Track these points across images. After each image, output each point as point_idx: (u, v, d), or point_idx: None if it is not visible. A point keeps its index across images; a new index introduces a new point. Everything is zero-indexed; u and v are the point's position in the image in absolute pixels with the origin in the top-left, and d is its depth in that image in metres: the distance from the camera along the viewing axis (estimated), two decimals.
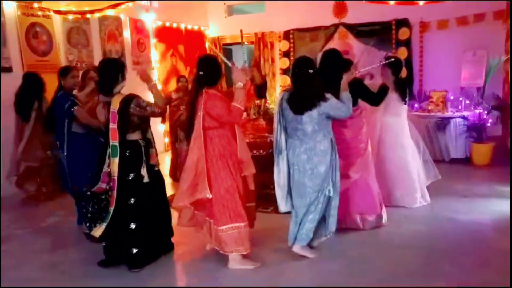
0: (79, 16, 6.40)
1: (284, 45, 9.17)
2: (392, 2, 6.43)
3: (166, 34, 8.71)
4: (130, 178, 3.40)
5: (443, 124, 6.64)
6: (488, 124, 6.54)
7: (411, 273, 3.25)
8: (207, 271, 3.46)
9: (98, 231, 3.37)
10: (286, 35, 9.13)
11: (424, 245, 3.74)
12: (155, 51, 8.49)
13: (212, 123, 3.33)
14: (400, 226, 4.17)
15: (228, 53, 10.53)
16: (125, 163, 3.36)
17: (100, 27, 7.27)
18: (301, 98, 3.35)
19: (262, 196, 5.20)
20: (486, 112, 6.57)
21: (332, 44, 8.54)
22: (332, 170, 3.46)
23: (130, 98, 3.37)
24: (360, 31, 8.37)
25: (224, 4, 9.64)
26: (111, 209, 3.36)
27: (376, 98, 4.11)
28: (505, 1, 6.48)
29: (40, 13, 6.19)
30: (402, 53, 7.99)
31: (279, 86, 9.43)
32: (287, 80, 9.22)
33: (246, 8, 10.15)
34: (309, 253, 3.54)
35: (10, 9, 5.86)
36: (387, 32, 8.14)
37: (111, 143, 3.30)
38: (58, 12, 6.18)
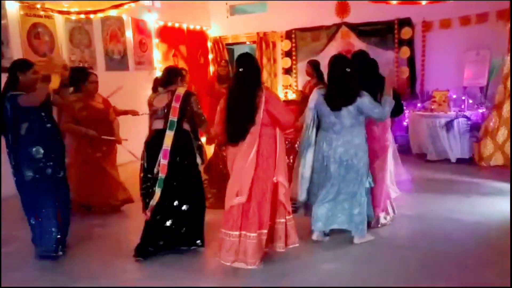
0: (81, 16, 6.41)
1: (286, 45, 9.16)
2: (394, 2, 6.43)
3: (168, 34, 8.71)
4: (186, 163, 3.70)
5: (445, 124, 6.62)
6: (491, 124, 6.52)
7: (413, 273, 3.25)
8: (208, 271, 3.46)
9: (155, 199, 3.60)
10: (288, 35, 9.12)
11: (427, 245, 3.73)
12: (157, 51, 8.49)
13: (266, 122, 3.35)
14: (403, 226, 4.17)
15: (230, 53, 10.54)
16: (179, 148, 3.64)
17: (102, 27, 7.27)
18: (340, 95, 3.59)
19: None
20: (489, 111, 6.55)
21: (334, 44, 8.57)
22: (367, 163, 3.73)
23: (192, 93, 3.79)
24: (362, 30, 8.35)
25: (226, 4, 9.64)
26: (163, 175, 3.58)
27: (400, 108, 4.15)
28: (507, 1, 6.45)
29: (42, 13, 6.20)
30: (405, 52, 7.98)
31: (281, 86, 9.42)
32: (289, 80, 9.22)
33: (248, 8, 10.15)
34: (369, 236, 3.82)
35: (13, 9, 5.87)
36: (389, 32, 8.11)
37: (170, 119, 3.60)
38: (60, 12, 6.19)
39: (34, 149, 3.61)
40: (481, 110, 6.63)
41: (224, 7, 9.68)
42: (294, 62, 9.13)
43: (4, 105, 3.54)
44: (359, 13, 8.29)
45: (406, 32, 7.97)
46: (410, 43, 8.00)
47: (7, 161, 3.58)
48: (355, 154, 3.63)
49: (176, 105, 3.62)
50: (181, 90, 3.72)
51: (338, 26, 8.58)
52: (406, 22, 7.97)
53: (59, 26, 6.53)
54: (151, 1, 8.44)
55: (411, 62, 8.03)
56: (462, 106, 7.03)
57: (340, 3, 8.57)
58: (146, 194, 3.72)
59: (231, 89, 3.49)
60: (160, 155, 3.59)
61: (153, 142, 3.69)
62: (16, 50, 5.90)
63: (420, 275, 3.21)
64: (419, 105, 7.45)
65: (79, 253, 3.88)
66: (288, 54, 9.20)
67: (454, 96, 7.21)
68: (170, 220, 3.69)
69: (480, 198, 4.94)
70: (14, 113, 3.54)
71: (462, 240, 3.80)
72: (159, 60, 8.51)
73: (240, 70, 3.39)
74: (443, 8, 7.21)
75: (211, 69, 9.93)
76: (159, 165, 3.60)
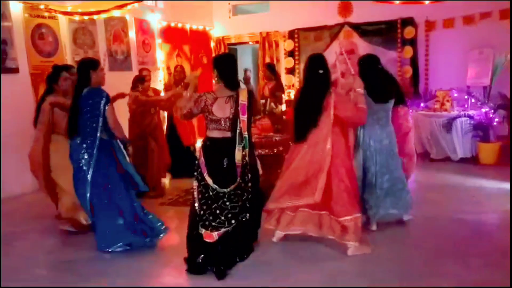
0: (85, 17, 6.43)
1: (288, 45, 9.16)
2: (397, 2, 6.42)
3: (171, 35, 8.73)
4: (253, 177, 3.53)
5: (449, 123, 6.62)
6: (495, 123, 6.52)
7: (418, 273, 3.25)
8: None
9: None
10: (291, 34, 9.12)
11: (432, 245, 3.73)
12: (160, 52, 8.51)
13: (335, 123, 3.56)
14: (408, 226, 4.16)
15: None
16: (249, 162, 3.49)
17: (105, 28, 7.29)
18: (386, 88, 3.89)
19: (268, 196, 5.22)
20: (492, 111, 6.54)
21: (337, 44, 8.54)
22: None
23: (252, 91, 3.62)
24: (365, 30, 8.35)
25: (229, 4, 9.65)
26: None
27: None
28: (509, 0, 6.44)
29: (46, 14, 6.22)
30: (408, 52, 7.97)
31: (284, 85, 9.41)
32: (292, 79, 9.22)
33: (251, 8, 10.16)
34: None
35: (17, 10, 5.90)
36: (392, 31, 8.11)
37: (244, 135, 3.37)
38: (64, 13, 6.21)
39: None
40: (485, 109, 6.61)
41: (227, 7, 9.68)
42: (297, 62, 9.14)
43: (95, 100, 3.66)
44: (362, 13, 8.29)
45: (409, 32, 7.96)
46: (413, 42, 7.99)
47: (11, 161, 3.60)
48: (395, 143, 3.99)
49: (244, 118, 3.35)
50: (244, 97, 3.40)
51: (341, 26, 8.58)
52: (409, 21, 7.97)
53: (63, 26, 6.56)
54: (154, 1, 8.46)
55: (414, 61, 8.03)
56: (466, 106, 7.02)
57: (343, 3, 8.57)
58: (209, 206, 3.40)
59: (303, 91, 3.66)
60: (230, 171, 3.38)
61: (214, 153, 3.43)
62: (20, 50, 5.93)
63: (424, 275, 3.21)
64: (422, 104, 7.45)
65: (88, 252, 3.90)
66: (291, 54, 9.20)
67: (457, 95, 7.20)
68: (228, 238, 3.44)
69: (484, 197, 4.93)
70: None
71: (466, 240, 3.80)
72: (162, 60, 8.53)
73: (314, 73, 3.57)
74: (446, 7, 7.20)
75: None
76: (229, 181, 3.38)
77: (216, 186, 3.36)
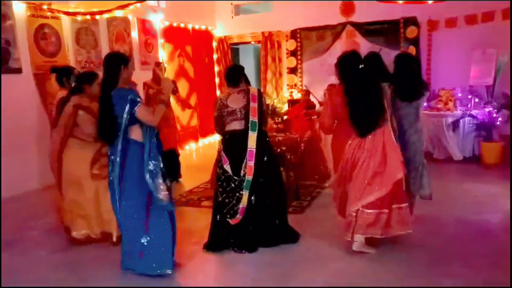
0: (87, 17, 6.44)
1: (291, 44, 9.16)
2: (400, 1, 6.41)
3: (173, 34, 8.74)
4: (265, 159, 3.75)
5: (452, 123, 6.60)
6: (498, 123, 6.50)
7: (422, 273, 3.24)
8: (214, 270, 3.47)
9: (243, 202, 3.65)
10: (293, 34, 9.11)
11: (434, 245, 3.72)
12: (162, 51, 8.52)
13: None
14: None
15: (235, 52, 10.56)
16: (262, 148, 3.72)
17: (108, 28, 7.30)
18: (415, 87, 3.94)
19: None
20: (495, 110, 6.52)
21: (339, 43, 8.55)
22: None
23: (261, 91, 3.92)
24: (368, 30, 8.34)
25: (231, 4, 9.65)
26: (250, 178, 3.64)
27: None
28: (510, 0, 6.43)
29: (49, 14, 6.24)
30: (410, 51, 7.94)
31: (286, 85, 9.42)
32: (295, 79, 9.21)
33: (253, 8, 10.16)
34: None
35: (20, 10, 5.90)
36: (395, 31, 8.09)
37: (251, 119, 3.67)
38: (67, 13, 6.23)
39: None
40: (488, 109, 6.59)
41: (229, 7, 9.70)
42: (299, 61, 9.13)
43: (129, 99, 3.15)
44: (365, 12, 8.28)
45: (411, 31, 7.95)
46: (415, 42, 7.97)
47: (14, 161, 3.59)
48: (423, 141, 4.10)
49: (254, 105, 3.71)
50: (254, 89, 3.85)
51: (343, 26, 8.57)
52: (411, 21, 7.95)
53: (66, 27, 6.57)
54: (156, 1, 8.47)
55: (417, 61, 7.99)
56: (469, 105, 7.00)
57: (345, 3, 8.57)
58: (232, 196, 3.71)
59: (350, 88, 3.69)
60: (246, 157, 3.66)
61: (234, 144, 3.74)
62: (23, 50, 5.94)
63: (427, 275, 3.20)
64: (425, 104, 7.42)
65: (90, 253, 3.91)
66: (293, 53, 9.20)
67: (460, 95, 7.18)
68: (256, 219, 3.74)
69: (487, 197, 4.92)
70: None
71: (469, 240, 3.79)
72: (164, 60, 8.53)
73: (356, 69, 3.67)
74: (449, 7, 7.18)
75: (216, 69, 9.96)
76: (245, 167, 3.66)
77: (236, 178, 3.68)
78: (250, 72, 11.39)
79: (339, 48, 8.46)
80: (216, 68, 9.97)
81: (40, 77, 6.10)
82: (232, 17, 9.71)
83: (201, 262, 3.64)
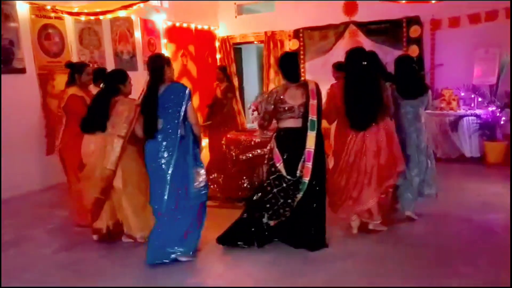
0: (91, 17, 6.46)
1: (294, 44, 9.14)
2: (403, 1, 6.39)
3: (176, 34, 8.75)
4: (321, 163, 3.63)
5: (455, 122, 6.58)
6: (502, 122, 6.48)
7: (425, 273, 3.24)
8: (216, 270, 3.48)
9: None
10: (296, 34, 9.11)
11: (438, 244, 3.72)
12: (165, 51, 8.52)
13: None
14: (414, 225, 4.16)
15: (238, 52, 10.56)
16: (318, 148, 3.56)
17: (111, 28, 7.33)
18: (416, 85, 4.17)
19: None
20: (499, 110, 6.50)
21: (342, 43, 8.53)
22: None
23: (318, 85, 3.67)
24: (371, 29, 8.32)
25: (235, 4, 9.66)
26: (306, 179, 3.53)
27: None
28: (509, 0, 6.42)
29: (52, 14, 6.26)
30: (413, 51, 7.92)
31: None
32: None
33: (256, 8, 10.16)
34: None
35: (24, 11, 5.93)
36: (398, 30, 8.07)
37: (310, 118, 3.49)
38: (70, 14, 6.25)
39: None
40: (491, 108, 6.58)
41: (232, 7, 9.70)
42: (302, 61, 9.12)
43: (179, 95, 3.46)
44: (367, 12, 8.27)
45: (414, 31, 7.93)
46: (418, 41, 7.95)
47: (18, 160, 3.60)
48: (423, 138, 4.18)
49: (314, 102, 3.52)
50: (312, 84, 3.60)
51: (346, 25, 8.56)
52: (414, 20, 7.93)
53: (69, 27, 6.59)
54: (159, 1, 8.48)
55: (419, 60, 7.98)
56: (472, 105, 6.99)
57: (348, 2, 8.55)
58: (283, 197, 3.58)
59: (350, 83, 3.75)
60: (304, 157, 3.53)
61: (290, 143, 3.57)
62: (27, 51, 5.97)
63: (431, 274, 3.20)
64: (429, 105, 7.40)
65: (93, 252, 3.92)
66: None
67: (463, 95, 7.16)
68: (298, 220, 3.67)
69: (491, 196, 4.90)
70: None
71: (473, 239, 3.79)
72: None
73: (359, 65, 3.74)
74: (452, 6, 7.16)
75: None
76: (302, 167, 3.54)
77: (290, 177, 3.54)
78: (253, 72, 11.42)
79: (342, 47, 8.44)
80: None
81: (44, 77, 6.13)
82: (236, 16, 9.71)
83: (205, 261, 3.64)
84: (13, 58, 5.79)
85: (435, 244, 3.74)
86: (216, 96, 6.90)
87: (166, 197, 3.46)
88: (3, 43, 5.66)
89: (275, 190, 3.60)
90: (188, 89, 3.50)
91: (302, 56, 9.09)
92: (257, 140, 5.12)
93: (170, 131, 3.45)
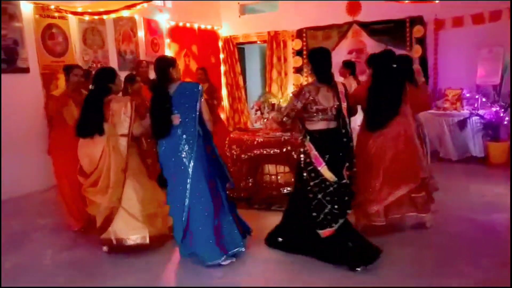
0: (94, 17, 6.47)
1: (297, 44, 9.14)
2: (406, 0, 6.37)
3: (179, 34, 8.77)
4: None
5: (458, 122, 6.57)
6: (505, 123, 6.46)
7: (429, 273, 3.24)
8: (221, 269, 3.48)
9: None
10: (299, 33, 9.10)
11: (442, 245, 3.72)
12: (168, 51, 8.54)
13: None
14: (416, 226, 4.14)
15: (241, 52, 10.56)
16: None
17: (115, 28, 7.34)
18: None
19: (274, 196, 5.23)
20: (502, 110, 6.48)
21: (345, 43, 8.53)
22: None
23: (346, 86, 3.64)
24: (374, 29, 8.30)
25: (238, 3, 9.66)
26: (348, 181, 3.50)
27: None
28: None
29: (56, 14, 6.28)
30: (417, 51, 7.90)
31: (292, 84, 9.41)
32: (300, 79, 9.20)
33: (259, 7, 10.16)
34: None
35: (28, 10, 5.95)
36: (401, 30, 8.04)
37: (344, 120, 3.44)
38: (74, 13, 6.26)
39: None
40: (495, 108, 6.56)
41: (235, 6, 9.71)
42: (305, 61, 9.11)
43: (193, 91, 3.51)
44: (371, 12, 8.25)
45: (418, 31, 7.90)
46: (422, 41, 7.93)
47: (21, 159, 3.59)
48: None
49: (345, 105, 3.44)
50: (341, 86, 3.52)
51: (349, 25, 8.54)
52: (418, 20, 7.91)
53: (73, 27, 6.61)
54: (162, 1, 8.49)
55: (423, 60, 7.95)
56: (475, 105, 6.97)
57: (351, 2, 8.53)
58: (330, 201, 3.40)
59: (378, 83, 3.83)
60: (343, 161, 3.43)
61: (329, 144, 3.42)
62: (31, 50, 5.99)
63: (434, 274, 3.20)
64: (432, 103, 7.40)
65: (96, 251, 3.93)
66: (299, 53, 9.17)
67: (467, 95, 7.14)
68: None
69: (494, 197, 4.89)
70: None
71: (476, 240, 3.79)
72: None
73: (389, 67, 3.84)
74: (455, 6, 7.14)
75: (222, 68, 9.97)
76: (346, 170, 3.45)
77: (337, 179, 3.37)
78: (255, 71, 11.42)
79: (345, 47, 8.45)
80: (222, 68, 9.98)
81: (47, 77, 6.15)
82: (239, 16, 9.72)
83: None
84: (17, 58, 5.81)
85: (438, 244, 3.74)
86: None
87: (188, 193, 3.43)
88: (7, 42, 5.69)
89: (323, 193, 3.41)
90: (200, 85, 3.58)
91: (305, 56, 9.09)
92: (260, 140, 5.12)
93: (188, 124, 3.46)
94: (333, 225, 3.40)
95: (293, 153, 4.95)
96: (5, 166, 5.59)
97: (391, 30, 8.16)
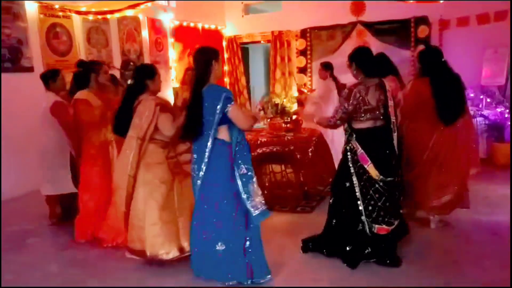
0: (98, 16, 6.49)
1: (301, 44, 9.13)
2: (411, 0, 6.35)
3: (183, 34, 8.77)
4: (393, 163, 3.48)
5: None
6: (510, 123, 6.42)
7: (433, 274, 3.22)
8: None
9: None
10: (303, 33, 9.09)
11: (445, 245, 3.70)
12: (172, 51, 8.56)
13: None
14: (421, 226, 4.13)
15: (245, 52, 10.56)
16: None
17: (119, 27, 7.36)
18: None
19: (277, 196, 5.22)
20: (507, 111, 6.45)
21: (349, 43, 8.50)
22: None
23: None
24: (378, 29, 8.29)
25: (242, 3, 9.66)
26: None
27: None
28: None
29: (60, 13, 6.30)
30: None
31: (295, 85, 9.40)
32: (304, 78, 9.19)
33: (263, 7, 10.16)
34: None
35: (32, 10, 5.97)
36: (405, 30, 8.03)
37: (391, 119, 3.38)
38: (78, 13, 6.29)
39: None
40: (500, 109, 6.52)
41: (239, 6, 9.71)
42: (309, 61, 9.10)
43: (223, 97, 3.02)
44: (375, 12, 8.23)
45: (422, 31, 7.88)
46: (426, 41, 7.90)
47: (25, 159, 3.58)
48: None
49: (391, 103, 3.39)
50: (388, 84, 3.47)
51: (353, 25, 8.53)
52: (422, 20, 7.89)
53: (77, 26, 6.63)
54: (166, 0, 8.50)
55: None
56: (480, 106, 6.93)
57: (356, 2, 8.52)
58: (379, 199, 3.39)
59: (436, 80, 3.86)
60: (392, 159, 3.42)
61: (376, 142, 3.40)
62: (36, 49, 6.01)
63: (438, 275, 3.19)
64: None
65: (99, 249, 3.93)
66: (303, 53, 9.17)
67: (472, 95, 7.10)
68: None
69: (499, 198, 4.87)
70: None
71: (481, 241, 3.77)
72: (174, 59, 8.58)
73: (440, 62, 3.95)
74: (460, 6, 7.12)
75: (226, 68, 9.97)
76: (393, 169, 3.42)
77: (383, 177, 3.34)
78: (259, 71, 11.42)
79: (349, 47, 8.39)
80: (226, 68, 9.98)
81: None
82: (243, 16, 9.72)
83: None
84: (21, 57, 5.83)
85: (442, 245, 3.72)
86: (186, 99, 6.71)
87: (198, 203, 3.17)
88: (12, 42, 5.71)
89: (370, 192, 3.39)
90: (227, 92, 3.08)
91: (309, 56, 9.08)
92: (264, 139, 5.12)
93: (204, 131, 3.07)
94: (390, 224, 3.42)
95: (296, 153, 4.96)
96: (5, 166, 5.60)
97: (395, 30, 8.14)
